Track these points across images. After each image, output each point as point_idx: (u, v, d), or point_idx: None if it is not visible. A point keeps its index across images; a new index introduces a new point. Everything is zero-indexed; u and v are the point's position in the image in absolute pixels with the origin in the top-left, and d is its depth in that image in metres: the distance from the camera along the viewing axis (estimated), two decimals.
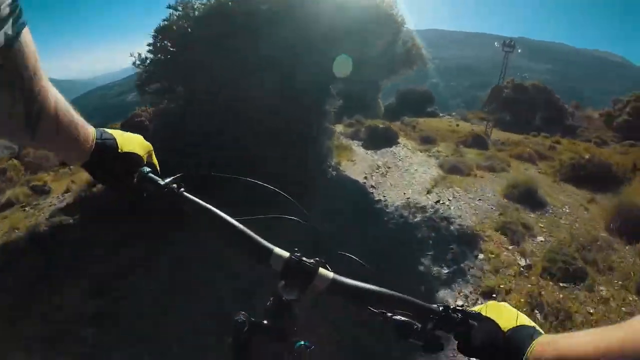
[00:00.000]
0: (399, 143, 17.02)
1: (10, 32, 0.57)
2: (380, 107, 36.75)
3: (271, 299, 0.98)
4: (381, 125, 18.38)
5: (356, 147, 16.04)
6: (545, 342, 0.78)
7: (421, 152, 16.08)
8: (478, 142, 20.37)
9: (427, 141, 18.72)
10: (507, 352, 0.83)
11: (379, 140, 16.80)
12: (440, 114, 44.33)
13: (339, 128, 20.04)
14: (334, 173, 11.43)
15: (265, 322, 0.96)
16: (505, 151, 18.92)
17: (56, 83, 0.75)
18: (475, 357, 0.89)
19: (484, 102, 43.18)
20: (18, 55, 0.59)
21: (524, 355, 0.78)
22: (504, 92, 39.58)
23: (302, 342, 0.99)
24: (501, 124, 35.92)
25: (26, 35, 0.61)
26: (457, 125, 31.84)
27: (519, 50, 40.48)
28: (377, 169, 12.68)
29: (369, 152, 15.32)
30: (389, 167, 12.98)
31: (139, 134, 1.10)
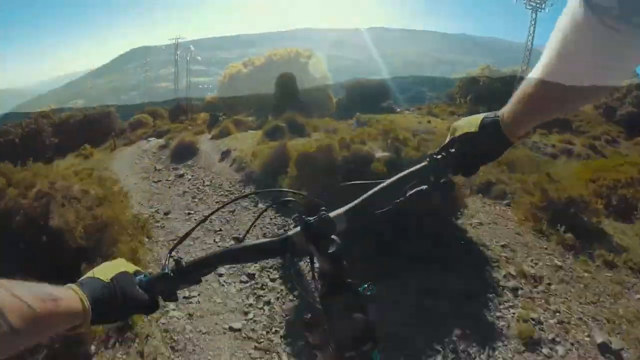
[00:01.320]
0: None
1: None
2: (332, 103, 28.45)
3: (316, 263, 0.98)
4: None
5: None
6: (507, 111, 0.95)
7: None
8: None
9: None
10: (491, 142, 0.99)
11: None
12: (397, 109, 37.35)
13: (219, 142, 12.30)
14: None
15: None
16: None
17: None
18: (478, 167, 1.05)
19: (454, 94, 35.99)
20: None
21: (501, 132, 0.96)
22: (480, 82, 32.00)
23: (365, 285, 0.98)
24: None
25: None
26: (429, 121, 24.26)
27: (547, 10, 32.91)
28: None
29: None
30: None
31: None
